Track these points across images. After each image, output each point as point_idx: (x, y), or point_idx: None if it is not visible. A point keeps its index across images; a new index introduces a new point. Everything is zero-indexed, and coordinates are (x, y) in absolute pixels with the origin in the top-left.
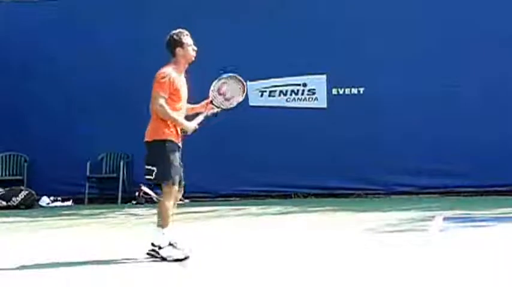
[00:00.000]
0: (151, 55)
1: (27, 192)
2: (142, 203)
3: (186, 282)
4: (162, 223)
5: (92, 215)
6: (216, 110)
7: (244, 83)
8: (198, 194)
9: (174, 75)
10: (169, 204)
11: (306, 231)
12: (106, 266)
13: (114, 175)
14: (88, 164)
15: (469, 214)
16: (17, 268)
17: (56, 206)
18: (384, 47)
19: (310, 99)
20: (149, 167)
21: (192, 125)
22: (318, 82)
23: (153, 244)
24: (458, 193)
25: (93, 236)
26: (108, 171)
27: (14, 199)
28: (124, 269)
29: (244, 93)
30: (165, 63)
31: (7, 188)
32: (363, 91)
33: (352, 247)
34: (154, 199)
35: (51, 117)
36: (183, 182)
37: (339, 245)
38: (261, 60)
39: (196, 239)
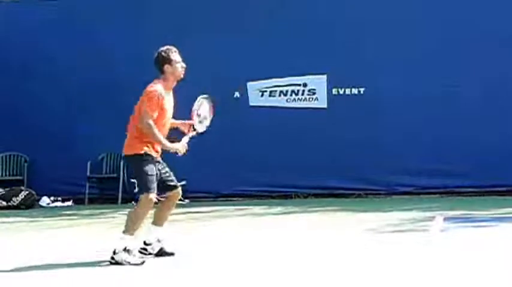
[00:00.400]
0: (151, 56)
1: (27, 192)
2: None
3: (187, 282)
4: (128, 228)
5: (92, 215)
6: (195, 133)
7: (213, 103)
8: (198, 194)
9: (163, 93)
10: (142, 213)
11: (307, 231)
12: (106, 266)
13: (115, 175)
14: (88, 164)
15: (470, 214)
16: (18, 268)
17: (56, 207)
18: (384, 48)
19: (311, 99)
20: (133, 180)
21: (179, 146)
22: (318, 82)
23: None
24: (458, 193)
25: (94, 236)
26: (108, 171)
27: (14, 199)
28: (124, 269)
29: (212, 113)
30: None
31: (7, 189)
32: (363, 91)
33: (353, 247)
34: (155, 199)
35: (51, 118)
36: (178, 185)
37: (340, 245)
38: (262, 60)
39: (197, 240)
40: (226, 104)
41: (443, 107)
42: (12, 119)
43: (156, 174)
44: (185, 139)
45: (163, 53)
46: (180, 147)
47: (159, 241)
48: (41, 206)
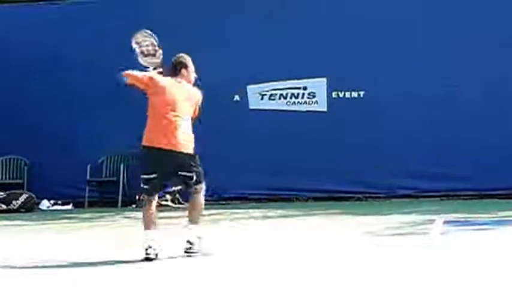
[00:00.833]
0: None
1: (27, 195)
2: (142, 207)
3: (186, 283)
4: (196, 219)
5: (92, 218)
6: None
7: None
8: None
9: None
10: (203, 201)
11: (307, 234)
12: (106, 268)
13: (114, 178)
14: (88, 167)
15: (470, 217)
16: (18, 269)
17: (56, 210)
18: (383, 51)
19: (311, 102)
20: (189, 173)
21: None
22: (318, 85)
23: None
24: (459, 196)
25: (94, 239)
26: (108, 175)
27: (14, 202)
28: (124, 271)
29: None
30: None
31: (7, 192)
32: (363, 94)
33: (353, 250)
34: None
35: (51, 121)
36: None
37: (340, 248)
38: (261, 64)
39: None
40: (226, 108)
41: (443, 110)
42: (12, 123)
43: None
44: None
45: (182, 59)
46: None
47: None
48: (41, 210)
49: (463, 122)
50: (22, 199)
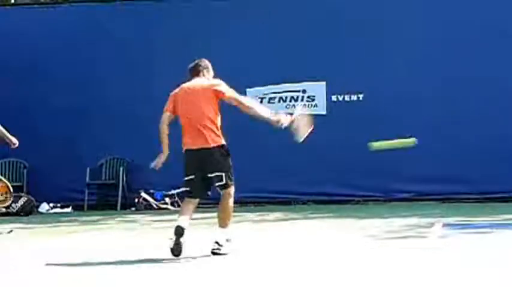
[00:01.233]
0: (150, 62)
1: (26, 198)
2: (141, 210)
3: (188, 283)
4: (226, 223)
5: (91, 221)
6: (285, 124)
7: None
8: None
9: None
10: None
11: (308, 237)
12: (105, 268)
13: (114, 181)
14: (88, 170)
15: (469, 220)
16: (17, 271)
17: (55, 213)
18: (383, 54)
19: (310, 105)
20: (219, 173)
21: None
22: (318, 89)
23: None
24: (458, 200)
25: (93, 242)
26: (107, 178)
27: (13, 205)
28: (125, 270)
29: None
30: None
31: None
32: (363, 97)
33: (354, 253)
34: (154, 205)
35: (51, 124)
36: None
37: (341, 251)
38: (260, 67)
39: (197, 244)
40: (225, 111)
41: (443, 113)
42: (12, 126)
43: None
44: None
45: (202, 63)
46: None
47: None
48: (40, 213)
49: (463, 125)
50: (21, 202)
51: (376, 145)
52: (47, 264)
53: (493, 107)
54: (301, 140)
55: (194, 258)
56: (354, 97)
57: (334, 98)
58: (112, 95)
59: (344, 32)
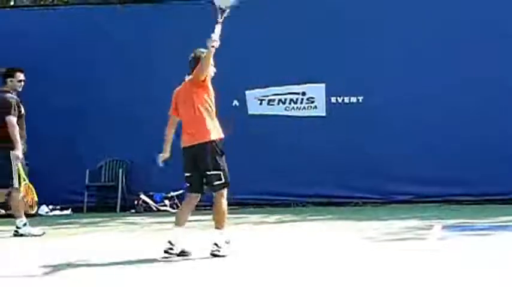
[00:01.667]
0: (150, 64)
1: (25, 201)
2: (141, 212)
3: (189, 284)
4: (221, 223)
5: (91, 223)
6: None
7: None
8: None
9: None
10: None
11: (307, 239)
12: (105, 270)
13: (113, 183)
14: (87, 172)
15: (469, 222)
16: (17, 272)
17: (54, 215)
18: (383, 56)
19: (309, 107)
20: (216, 172)
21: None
22: (317, 90)
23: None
24: (458, 202)
25: (93, 243)
26: (107, 179)
27: None
28: (125, 271)
29: None
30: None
31: (7, 197)
32: (362, 99)
33: (352, 255)
34: (153, 207)
35: (50, 126)
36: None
37: (339, 253)
38: (260, 69)
39: (197, 246)
40: (225, 113)
41: (443, 116)
42: None
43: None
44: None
45: (199, 53)
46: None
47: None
48: (40, 215)
49: (463, 126)
50: None
51: None
52: (47, 265)
53: (493, 107)
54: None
55: (193, 260)
56: (354, 99)
57: (333, 99)
58: (111, 97)
59: (344, 34)
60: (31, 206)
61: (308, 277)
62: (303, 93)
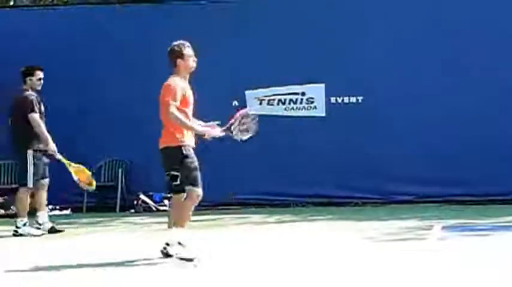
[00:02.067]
0: (149, 64)
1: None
2: (140, 212)
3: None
4: (177, 222)
5: (90, 223)
6: (224, 133)
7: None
8: None
9: (182, 84)
10: (189, 206)
11: (307, 239)
12: (105, 270)
13: (113, 183)
14: None
15: (469, 222)
16: (17, 273)
17: (54, 215)
18: (383, 56)
19: (309, 108)
20: (173, 172)
21: (214, 132)
22: (317, 91)
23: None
24: (458, 202)
25: (93, 243)
26: (106, 179)
27: (13, 207)
28: (125, 271)
29: (251, 135)
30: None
31: (6, 197)
32: (362, 100)
33: (353, 255)
34: (153, 207)
35: (50, 125)
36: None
37: (339, 253)
38: (260, 69)
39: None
40: (224, 113)
41: (443, 116)
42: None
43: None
44: (218, 130)
45: (176, 48)
46: (213, 133)
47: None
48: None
49: (463, 126)
50: None
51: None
52: (47, 265)
53: (493, 107)
54: (245, 139)
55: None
56: (353, 99)
57: (333, 100)
58: (111, 97)
59: (343, 34)
60: (89, 184)
61: (308, 277)
62: (303, 94)
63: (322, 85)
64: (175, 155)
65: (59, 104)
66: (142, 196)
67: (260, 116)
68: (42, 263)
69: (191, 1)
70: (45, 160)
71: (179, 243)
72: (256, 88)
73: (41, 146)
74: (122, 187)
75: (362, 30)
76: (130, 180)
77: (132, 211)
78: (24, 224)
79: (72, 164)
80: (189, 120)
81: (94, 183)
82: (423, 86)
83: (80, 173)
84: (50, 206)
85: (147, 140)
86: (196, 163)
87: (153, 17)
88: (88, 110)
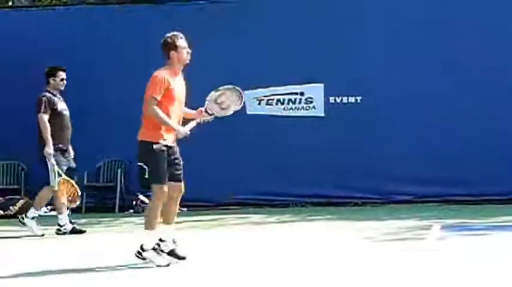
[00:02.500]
0: (149, 64)
1: (24, 201)
2: (139, 212)
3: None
4: (148, 224)
5: (89, 224)
6: (209, 117)
7: (242, 93)
8: (196, 203)
9: (168, 76)
10: (156, 204)
11: (306, 239)
12: (104, 270)
13: (112, 183)
14: (85, 173)
15: (468, 222)
16: (17, 274)
17: (54, 215)
18: (382, 56)
19: (308, 107)
20: (141, 164)
21: (183, 130)
22: (316, 91)
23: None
24: (457, 202)
25: (92, 244)
26: (105, 180)
27: (11, 208)
28: (126, 272)
29: (242, 102)
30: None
31: (5, 197)
32: (361, 100)
33: (352, 255)
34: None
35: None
36: (182, 179)
37: (338, 253)
38: (259, 69)
39: (197, 247)
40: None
41: (442, 116)
42: (10, 128)
43: (174, 162)
44: (192, 124)
45: (169, 39)
46: (182, 130)
47: (174, 241)
48: (38, 215)
49: (462, 129)
50: (19, 204)
51: None
52: (47, 266)
53: (493, 107)
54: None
55: (192, 260)
56: (352, 99)
57: (332, 100)
58: (110, 97)
59: (342, 34)
60: (71, 201)
61: (307, 277)
62: (302, 94)
63: (321, 85)
64: (147, 149)
65: None
66: (141, 196)
67: (259, 116)
68: (42, 263)
69: (190, 1)
70: (63, 159)
71: (154, 249)
72: (255, 88)
73: (61, 146)
74: (121, 187)
75: (361, 30)
76: (129, 180)
77: (131, 211)
78: (33, 218)
79: (63, 176)
80: (170, 117)
81: (77, 202)
82: (423, 86)
83: (66, 186)
84: (49, 207)
85: None
86: (164, 161)
87: (152, 17)
88: (87, 111)
